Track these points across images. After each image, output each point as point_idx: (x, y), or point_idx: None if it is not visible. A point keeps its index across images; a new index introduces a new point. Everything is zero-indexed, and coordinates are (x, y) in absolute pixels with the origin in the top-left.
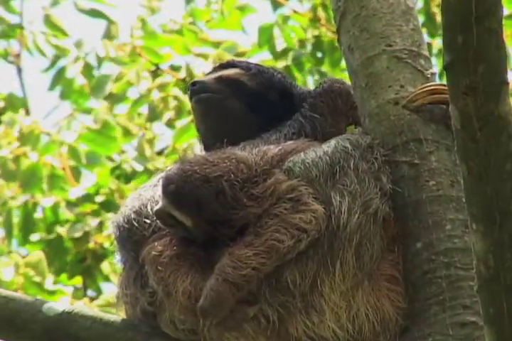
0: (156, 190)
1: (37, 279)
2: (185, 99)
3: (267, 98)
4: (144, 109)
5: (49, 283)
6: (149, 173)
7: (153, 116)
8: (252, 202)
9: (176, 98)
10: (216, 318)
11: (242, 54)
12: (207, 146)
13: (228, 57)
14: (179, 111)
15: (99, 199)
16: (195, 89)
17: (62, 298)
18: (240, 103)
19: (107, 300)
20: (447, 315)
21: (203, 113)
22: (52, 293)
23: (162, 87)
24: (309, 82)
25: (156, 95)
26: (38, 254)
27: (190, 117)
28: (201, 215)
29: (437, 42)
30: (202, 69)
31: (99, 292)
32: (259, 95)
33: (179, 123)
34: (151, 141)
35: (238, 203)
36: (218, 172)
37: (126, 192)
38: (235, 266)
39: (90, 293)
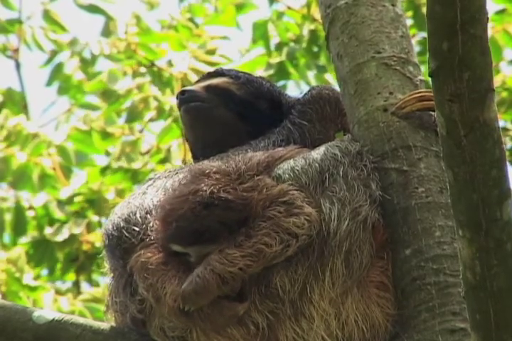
0: (144, 197)
1: (17, 275)
2: (165, 99)
3: (256, 107)
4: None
5: (29, 279)
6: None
7: (134, 116)
8: (248, 192)
9: (155, 98)
10: (195, 305)
11: (212, 51)
12: (196, 155)
13: (202, 54)
14: (160, 111)
15: (80, 199)
16: (184, 98)
17: (44, 294)
18: (229, 112)
19: (91, 295)
20: (437, 321)
21: (192, 122)
22: (33, 289)
23: (141, 87)
24: (307, 77)
25: (136, 96)
26: (17, 250)
27: (172, 117)
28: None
29: None
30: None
31: (96, 286)
32: (248, 104)
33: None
34: (135, 143)
35: (232, 204)
36: (191, 205)
37: (104, 192)
38: (222, 263)
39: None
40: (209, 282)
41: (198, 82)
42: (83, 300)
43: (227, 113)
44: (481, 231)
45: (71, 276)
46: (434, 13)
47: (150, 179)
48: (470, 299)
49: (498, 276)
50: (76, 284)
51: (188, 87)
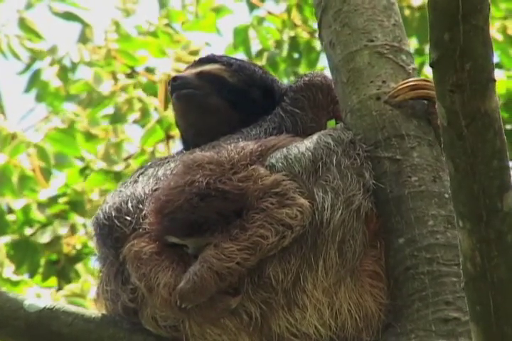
0: (136, 186)
1: None
2: (149, 100)
3: (248, 94)
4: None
5: (10, 273)
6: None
7: (118, 118)
8: (244, 183)
9: (140, 100)
10: (192, 303)
11: (196, 52)
12: (187, 142)
13: (185, 55)
14: (144, 113)
15: (64, 200)
16: (175, 84)
17: (26, 288)
18: (221, 99)
19: (71, 291)
20: (430, 311)
21: (183, 109)
22: (15, 283)
23: (125, 89)
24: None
25: (120, 98)
26: None
27: (156, 119)
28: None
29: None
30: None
31: None
32: (241, 91)
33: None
34: (118, 145)
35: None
36: (186, 195)
37: (88, 193)
38: (219, 258)
39: None
40: (206, 280)
41: (189, 68)
42: (64, 295)
43: (219, 100)
44: (481, 222)
45: (52, 281)
46: (435, 4)
47: (141, 167)
48: (470, 290)
49: (498, 267)
50: (58, 290)
51: (180, 74)
